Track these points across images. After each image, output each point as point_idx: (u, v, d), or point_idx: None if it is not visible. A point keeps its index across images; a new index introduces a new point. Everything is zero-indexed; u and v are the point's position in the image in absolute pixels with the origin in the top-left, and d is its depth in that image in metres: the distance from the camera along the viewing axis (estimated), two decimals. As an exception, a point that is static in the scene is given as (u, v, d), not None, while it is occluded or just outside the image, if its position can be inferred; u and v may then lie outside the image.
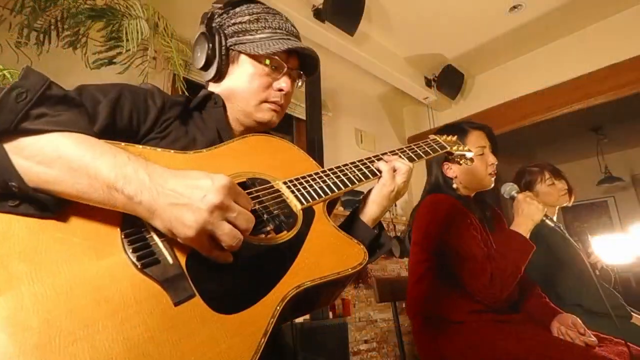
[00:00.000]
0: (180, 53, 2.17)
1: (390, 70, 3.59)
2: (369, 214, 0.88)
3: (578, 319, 1.32)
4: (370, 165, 0.90)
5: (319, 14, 2.92)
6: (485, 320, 1.32)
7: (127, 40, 1.72)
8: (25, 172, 0.52)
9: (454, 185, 1.54)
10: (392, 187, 0.87)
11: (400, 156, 0.95)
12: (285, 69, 0.90)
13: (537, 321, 1.39)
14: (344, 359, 2.71)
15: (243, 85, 0.89)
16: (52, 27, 1.76)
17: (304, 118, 3.30)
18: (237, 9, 0.91)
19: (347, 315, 3.08)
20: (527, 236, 1.35)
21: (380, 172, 0.89)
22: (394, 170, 0.88)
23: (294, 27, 0.95)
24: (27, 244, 0.50)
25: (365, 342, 3.39)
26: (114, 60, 1.82)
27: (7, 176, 0.51)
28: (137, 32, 1.76)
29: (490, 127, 1.59)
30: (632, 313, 1.76)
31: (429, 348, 1.37)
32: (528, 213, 1.38)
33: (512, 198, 1.47)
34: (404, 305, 3.89)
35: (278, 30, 0.90)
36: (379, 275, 3.69)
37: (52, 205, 0.53)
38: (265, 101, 0.90)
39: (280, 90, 0.90)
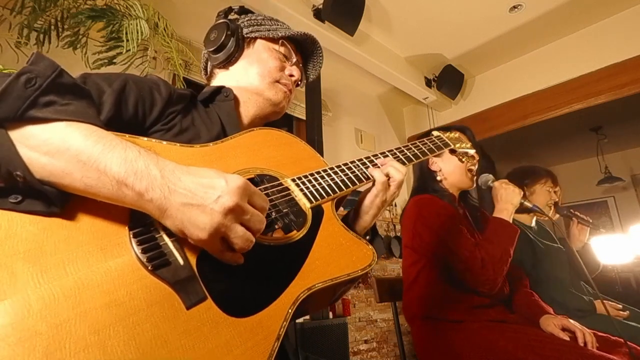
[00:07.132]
0: (180, 53, 2.16)
1: (390, 70, 3.57)
2: (361, 225, 0.87)
3: (570, 320, 1.30)
4: (378, 163, 0.89)
5: (319, 14, 2.91)
6: (484, 320, 1.31)
7: (127, 40, 1.71)
8: (31, 162, 0.49)
9: (438, 178, 1.55)
10: (384, 197, 0.84)
11: (397, 157, 0.93)
12: (295, 59, 0.97)
13: (527, 319, 1.39)
14: (344, 359, 2.70)
15: (258, 64, 0.94)
16: (52, 27, 1.75)
17: (304, 118, 3.29)
18: (251, 14, 1.00)
19: (347, 315, 3.08)
20: (510, 220, 1.38)
21: (372, 178, 0.85)
22: (388, 178, 0.84)
23: None
24: (31, 244, 0.47)
25: (365, 342, 3.39)
26: (114, 61, 1.80)
27: (12, 166, 0.48)
28: (137, 32, 1.74)
29: (471, 129, 1.57)
30: (594, 303, 1.75)
31: (428, 349, 1.36)
32: (506, 198, 1.42)
33: (489, 188, 1.50)
34: (404, 306, 3.92)
35: (290, 30, 0.99)
36: (379, 275, 3.69)
37: (57, 199, 0.50)
38: (278, 81, 0.94)
39: (292, 75, 0.96)
